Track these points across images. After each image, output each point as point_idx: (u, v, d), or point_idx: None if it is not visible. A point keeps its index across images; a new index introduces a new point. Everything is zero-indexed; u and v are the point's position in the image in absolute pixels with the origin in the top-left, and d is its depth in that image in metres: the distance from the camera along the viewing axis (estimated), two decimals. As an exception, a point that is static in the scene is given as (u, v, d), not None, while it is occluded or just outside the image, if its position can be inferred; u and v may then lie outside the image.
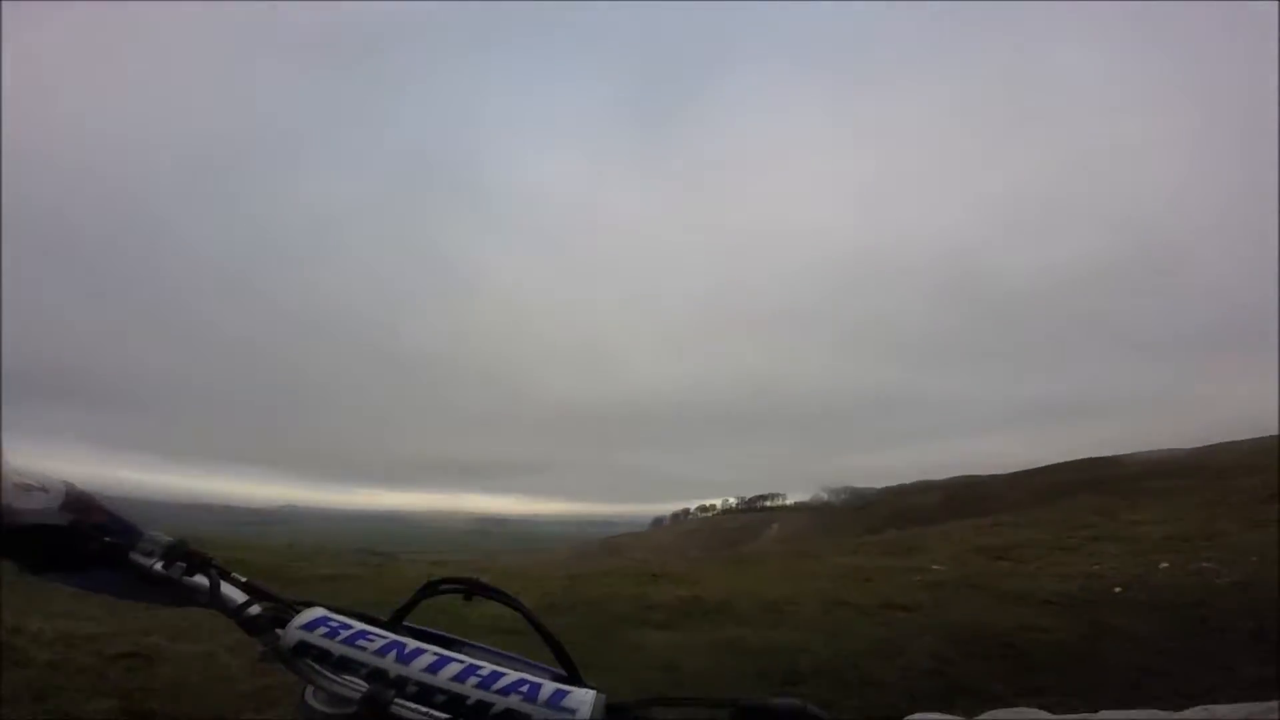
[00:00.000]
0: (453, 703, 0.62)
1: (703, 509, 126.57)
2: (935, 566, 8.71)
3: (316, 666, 0.63)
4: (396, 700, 0.62)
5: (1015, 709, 0.59)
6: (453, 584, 0.69)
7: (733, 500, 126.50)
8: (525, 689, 0.62)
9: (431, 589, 0.69)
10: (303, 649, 0.64)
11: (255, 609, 0.65)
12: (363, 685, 0.63)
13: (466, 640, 0.66)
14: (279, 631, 0.64)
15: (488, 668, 0.62)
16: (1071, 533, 10.80)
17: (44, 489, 0.67)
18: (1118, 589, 6.79)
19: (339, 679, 0.63)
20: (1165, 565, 7.70)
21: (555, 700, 0.62)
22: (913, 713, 0.60)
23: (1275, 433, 22.29)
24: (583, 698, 0.62)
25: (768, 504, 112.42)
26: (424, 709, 0.62)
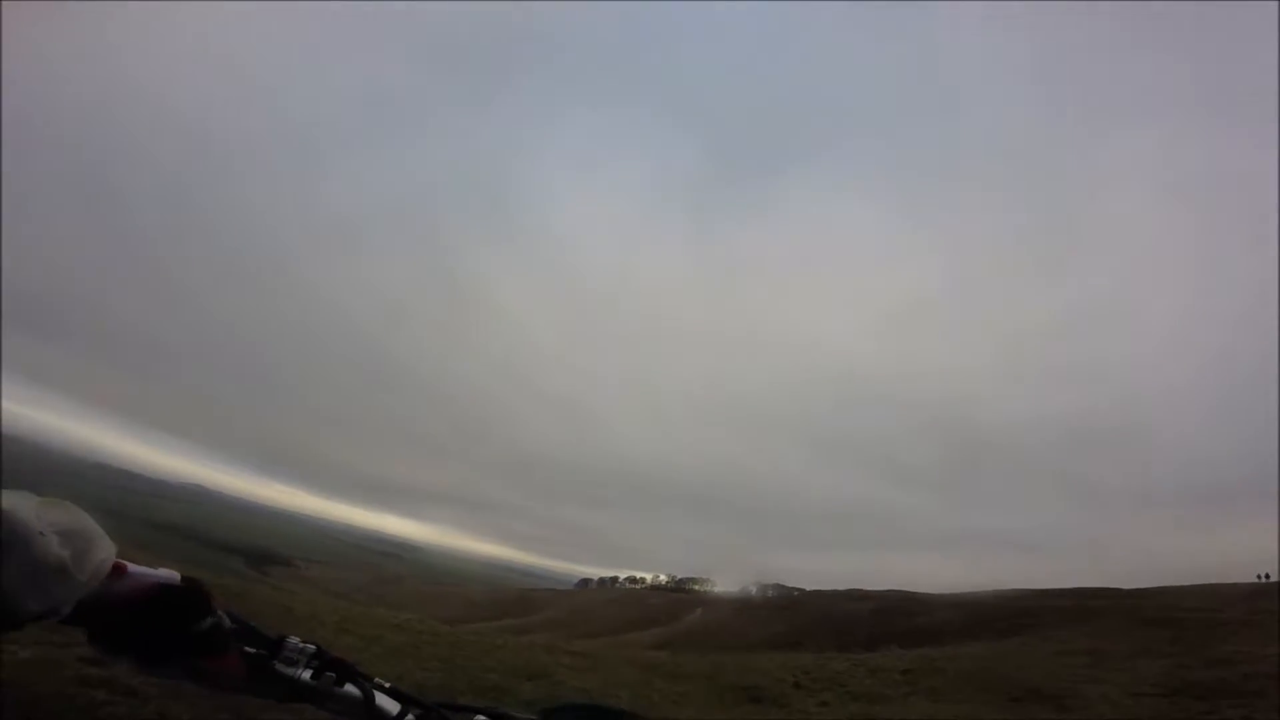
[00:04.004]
0: None
1: (631, 580, 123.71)
2: None
3: None
4: None
5: None
6: (576, 710, 0.71)
7: (663, 576, 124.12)
8: None
9: (553, 713, 0.71)
10: None
11: (410, 718, 0.65)
12: None
13: None
14: None
15: None
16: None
17: (157, 570, 0.66)
18: None
19: None
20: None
21: None
22: None
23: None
24: None
25: (695, 587, 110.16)
26: None
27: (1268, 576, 25.52)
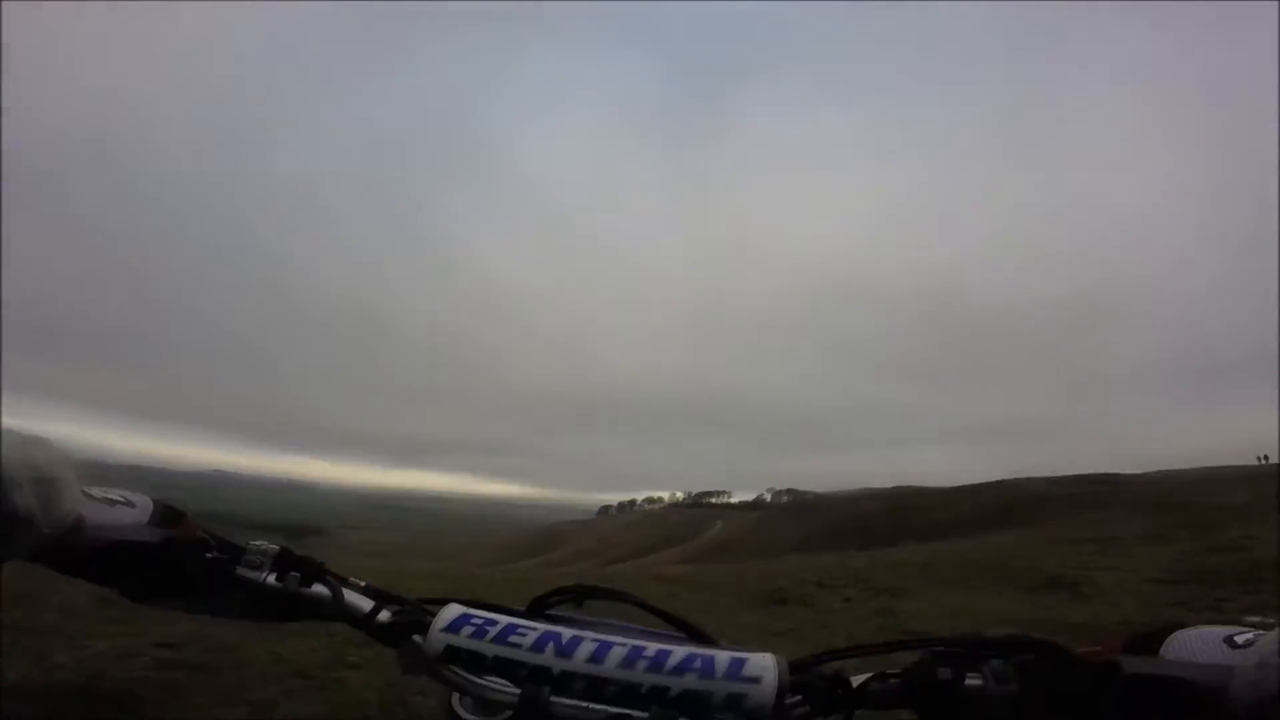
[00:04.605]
0: (625, 693, 0.55)
1: (650, 500, 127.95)
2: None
3: (465, 674, 0.56)
4: (554, 698, 0.56)
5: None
6: (563, 594, 0.69)
7: (680, 494, 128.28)
8: (699, 664, 0.54)
9: (542, 601, 0.68)
10: (451, 654, 0.57)
11: (385, 615, 0.61)
12: (513, 688, 0.56)
13: (597, 619, 0.63)
14: (417, 638, 0.58)
15: (652, 647, 0.54)
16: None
17: (129, 504, 0.63)
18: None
19: (491, 683, 0.56)
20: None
21: (734, 671, 0.53)
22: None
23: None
24: (762, 663, 0.53)
25: (713, 500, 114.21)
26: (585, 704, 0.55)
27: (1266, 458, 25.91)
